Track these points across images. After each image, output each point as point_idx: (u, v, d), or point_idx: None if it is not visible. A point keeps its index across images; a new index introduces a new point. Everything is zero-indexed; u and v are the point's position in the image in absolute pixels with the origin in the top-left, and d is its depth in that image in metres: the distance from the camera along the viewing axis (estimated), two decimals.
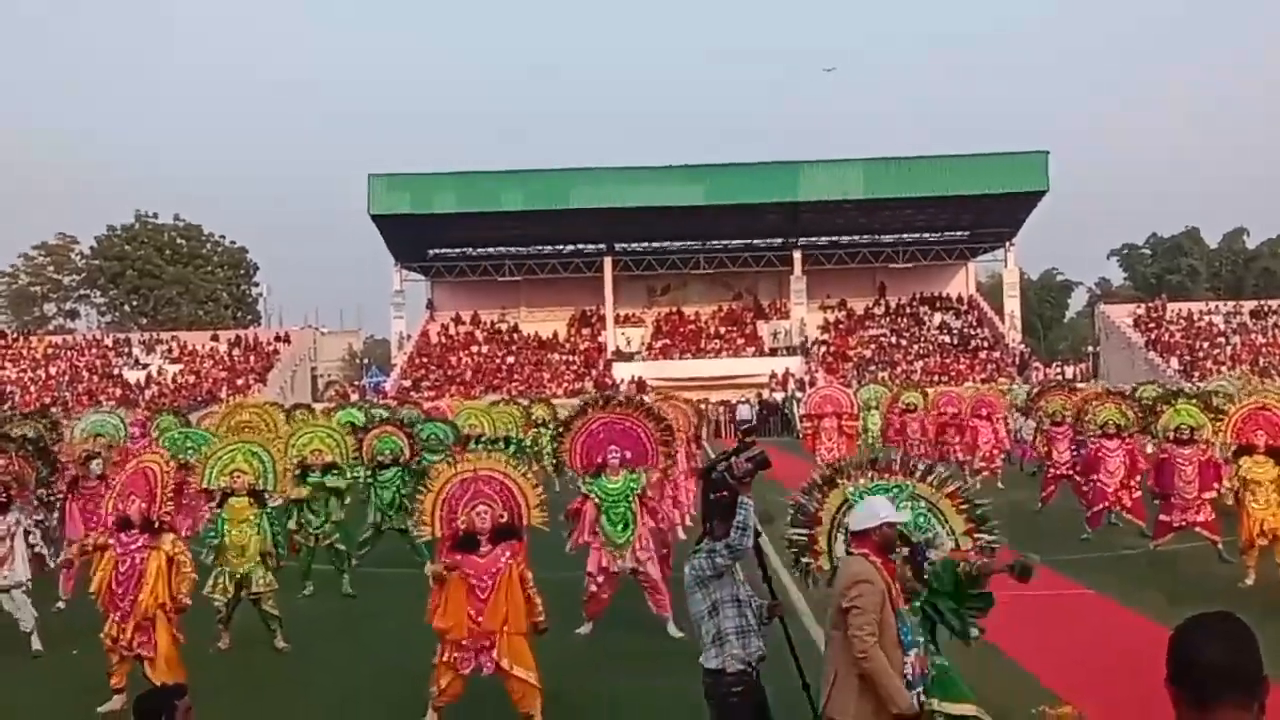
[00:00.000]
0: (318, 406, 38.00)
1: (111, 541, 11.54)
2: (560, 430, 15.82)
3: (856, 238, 75.90)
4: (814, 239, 74.54)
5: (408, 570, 18.34)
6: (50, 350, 73.40)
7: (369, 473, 19.46)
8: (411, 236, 70.89)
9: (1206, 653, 3.24)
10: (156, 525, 11.52)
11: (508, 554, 10.41)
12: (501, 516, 10.55)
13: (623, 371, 66.62)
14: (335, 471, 17.81)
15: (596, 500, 13.89)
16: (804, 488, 9.37)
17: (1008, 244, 72.17)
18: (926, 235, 75.80)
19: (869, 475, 9.18)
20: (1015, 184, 66.47)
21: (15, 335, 78.62)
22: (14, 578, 14.13)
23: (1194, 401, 19.87)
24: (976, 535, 9.04)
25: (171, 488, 12.10)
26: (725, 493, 7.99)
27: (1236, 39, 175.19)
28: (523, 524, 10.72)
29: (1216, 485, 17.92)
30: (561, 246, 74.90)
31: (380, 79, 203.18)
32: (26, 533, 14.49)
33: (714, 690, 7.85)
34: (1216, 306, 72.00)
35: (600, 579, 13.84)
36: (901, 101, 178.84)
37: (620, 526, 13.74)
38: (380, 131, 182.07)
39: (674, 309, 74.74)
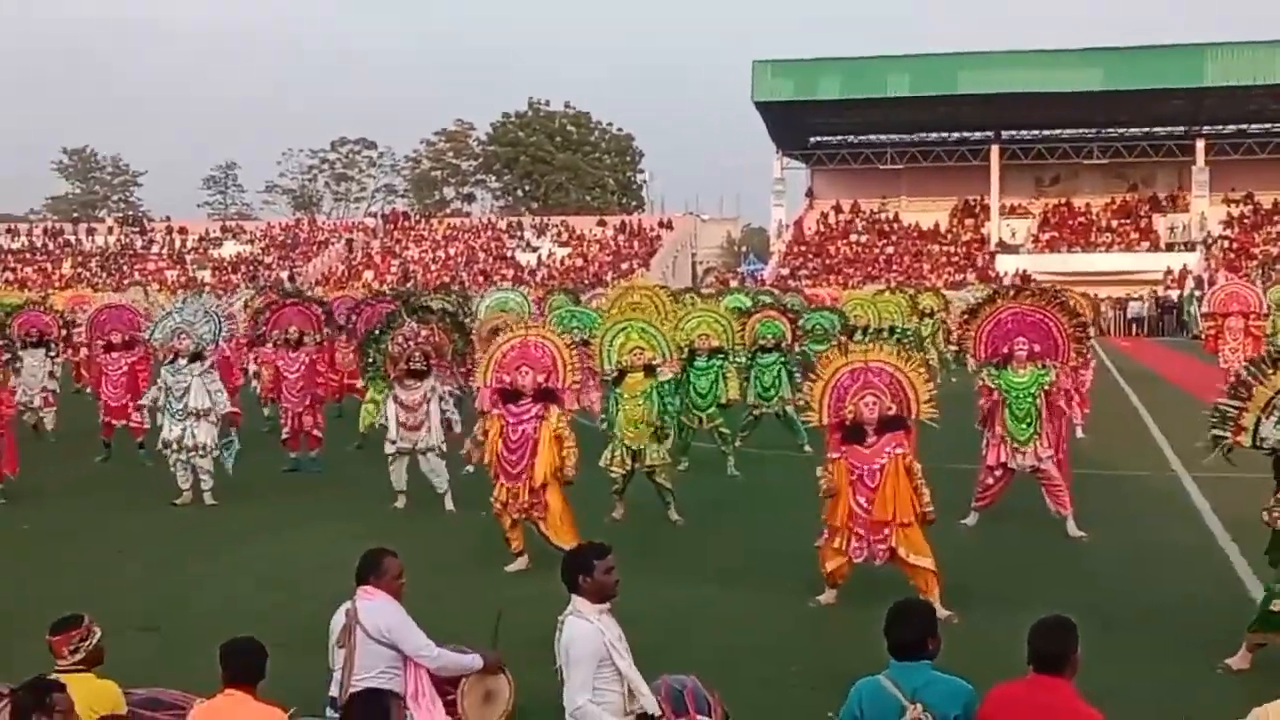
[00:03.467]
0: (704, 291, 38.54)
1: (498, 412, 12.09)
2: (967, 317, 15.42)
3: (1268, 126, 70.65)
4: (1219, 127, 69.99)
5: (788, 452, 18.57)
6: (449, 232, 77.53)
7: (750, 356, 19.59)
8: (794, 124, 70.72)
9: None
10: (550, 397, 11.99)
11: (894, 444, 10.32)
12: (890, 409, 10.43)
13: (1007, 264, 64.73)
14: (720, 356, 18.01)
15: (1001, 393, 13.51)
16: (1252, 360, 8.87)
17: None
18: None
19: None
20: None
21: (418, 217, 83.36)
22: (430, 440, 15.06)
23: None
24: None
25: (574, 363, 12.60)
26: None
27: None
28: (911, 416, 10.58)
29: None
30: (946, 134, 73.17)
31: None
32: (441, 399, 15.36)
33: None
34: None
35: (998, 472, 13.52)
36: None
37: (1024, 423, 13.33)
38: (766, 17, 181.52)
39: (1063, 200, 71.84)
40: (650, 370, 14.44)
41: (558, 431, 11.87)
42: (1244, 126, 70.94)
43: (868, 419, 10.37)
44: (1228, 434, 8.72)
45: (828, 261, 69.00)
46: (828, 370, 10.83)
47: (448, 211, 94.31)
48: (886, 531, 10.25)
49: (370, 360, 16.49)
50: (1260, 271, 58.44)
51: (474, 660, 7.12)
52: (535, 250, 73.10)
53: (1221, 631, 9.02)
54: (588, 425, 16.32)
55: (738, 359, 19.07)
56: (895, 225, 72.64)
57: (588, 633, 6.27)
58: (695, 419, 17.50)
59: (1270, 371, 8.66)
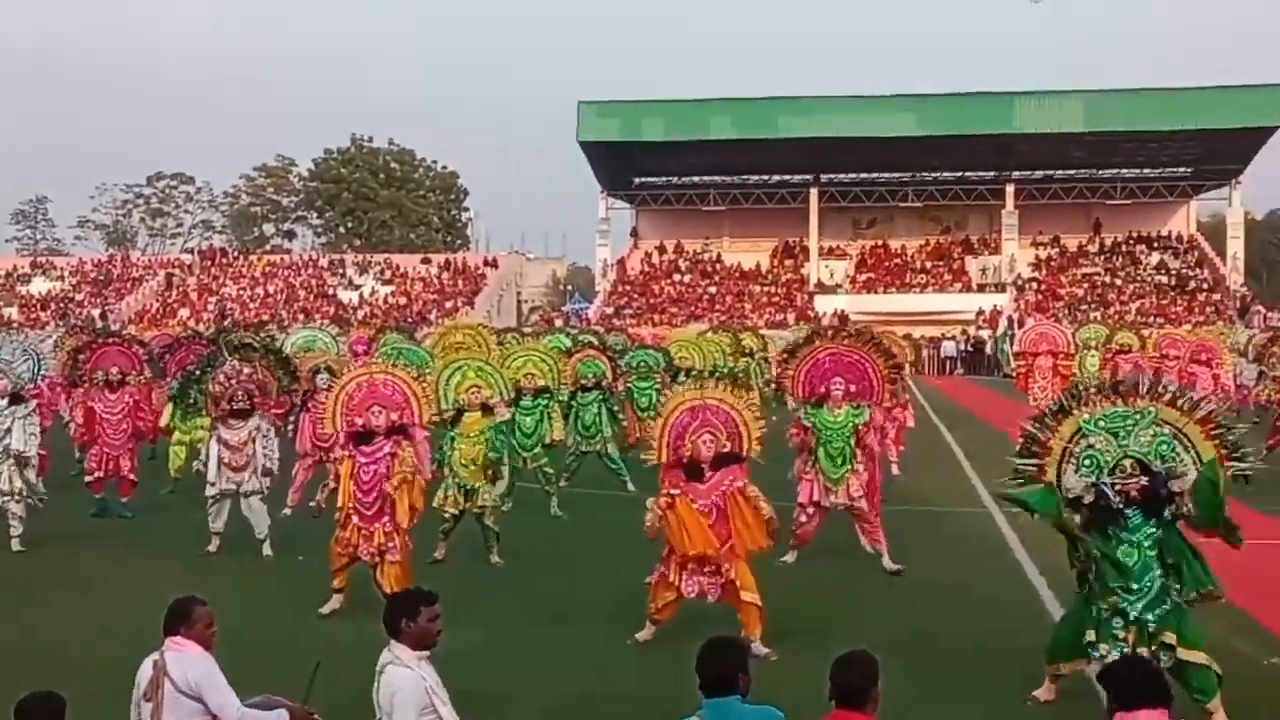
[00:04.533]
0: (526, 331, 38.51)
1: (349, 453, 11.94)
2: (786, 357, 15.70)
3: (1072, 172, 73.47)
4: (1028, 172, 72.46)
5: (613, 493, 18.63)
6: (268, 268, 76.13)
7: (570, 395, 19.67)
8: (618, 164, 71.18)
9: None
10: (403, 433, 11.88)
11: (730, 478, 10.52)
12: (724, 446, 10.66)
13: (825, 304, 66.04)
14: (546, 395, 18.03)
15: (815, 431, 13.75)
16: (1035, 416, 9.15)
17: (1233, 182, 69.05)
18: (1146, 171, 72.91)
19: (1109, 401, 8.86)
20: (1244, 119, 63.26)
21: (236, 254, 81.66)
22: (253, 483, 14.72)
23: None
24: (1229, 463, 8.67)
25: (427, 397, 12.53)
26: None
27: None
28: (744, 452, 10.77)
29: None
30: (767, 176, 74.38)
31: (591, 7, 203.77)
32: (265, 439, 15.03)
33: None
34: None
35: (810, 510, 13.75)
36: (1125, 33, 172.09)
37: (838, 461, 13.60)
38: (590, 58, 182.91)
39: (879, 242, 73.61)
40: (487, 409, 14.43)
41: (408, 473, 11.76)
42: (1051, 172, 73.51)
43: (705, 457, 10.57)
44: None
45: (652, 301, 69.55)
46: (668, 408, 11.02)
47: (267, 248, 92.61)
48: (726, 566, 10.37)
49: (191, 400, 16.09)
50: (1067, 312, 60.70)
51: (279, 716, 6.89)
52: (358, 288, 72.19)
53: (1031, 664, 9.28)
54: None
55: (560, 398, 19.11)
56: (718, 265, 73.57)
57: (409, 680, 6.19)
58: (520, 459, 17.49)
59: (1057, 424, 8.96)
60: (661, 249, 75.00)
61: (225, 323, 58.07)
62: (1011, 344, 43.04)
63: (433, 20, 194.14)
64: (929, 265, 71.54)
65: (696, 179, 75.61)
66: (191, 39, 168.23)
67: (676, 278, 72.68)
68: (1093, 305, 64.04)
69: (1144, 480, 8.60)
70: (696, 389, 11.24)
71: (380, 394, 12.19)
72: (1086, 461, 8.81)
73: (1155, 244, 71.71)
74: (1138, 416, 8.78)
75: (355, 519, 11.77)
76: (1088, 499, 8.73)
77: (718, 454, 10.58)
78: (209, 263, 78.05)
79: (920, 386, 40.33)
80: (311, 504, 16.31)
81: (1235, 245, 68.79)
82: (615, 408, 20.14)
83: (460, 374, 14.77)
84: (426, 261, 75.87)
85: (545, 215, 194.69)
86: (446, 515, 14.09)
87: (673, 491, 10.50)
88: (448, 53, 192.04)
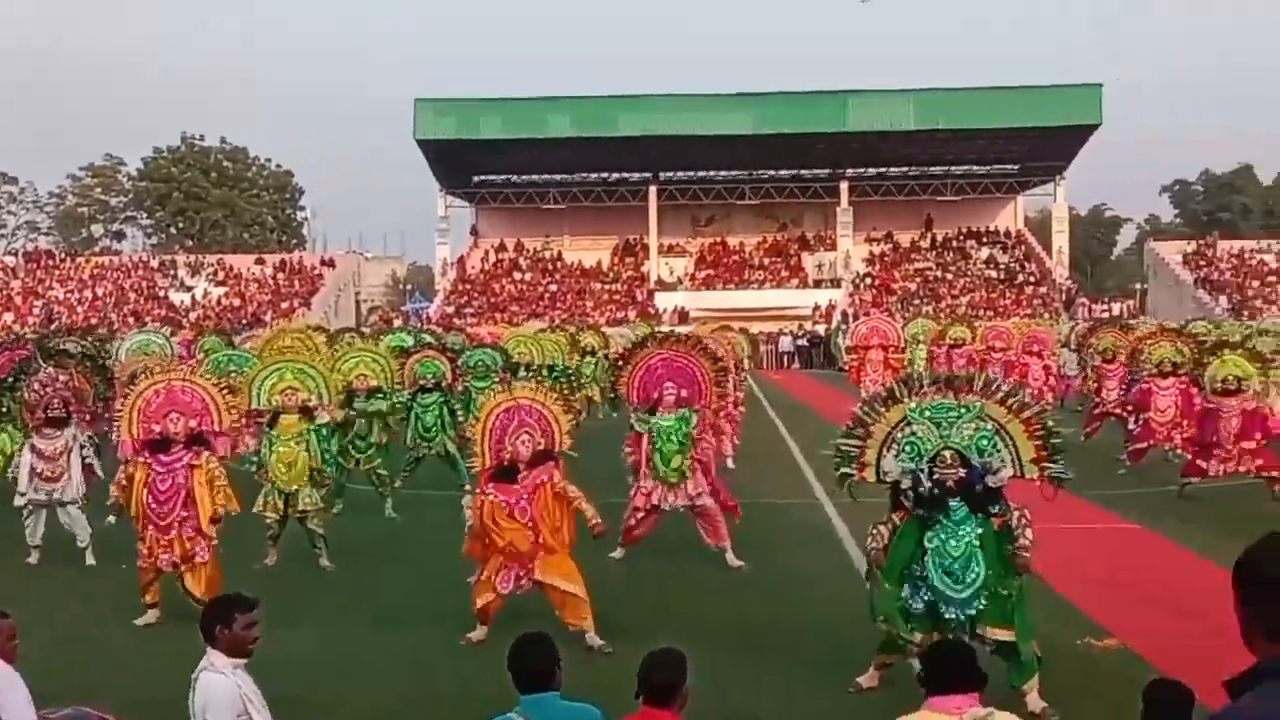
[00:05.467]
0: (365, 331, 38.07)
1: (146, 460, 11.65)
2: (619, 364, 15.80)
3: (905, 170, 75.15)
4: (861, 170, 73.85)
5: (449, 493, 18.47)
6: (97, 271, 73.86)
7: (410, 396, 19.51)
8: (457, 162, 70.74)
9: None
10: (202, 443, 11.64)
11: (544, 476, 10.63)
12: (540, 444, 10.76)
13: (665, 301, 66.51)
14: (379, 395, 17.85)
15: (650, 436, 13.86)
16: (865, 400, 9.32)
17: (1058, 178, 71.41)
18: (975, 168, 74.85)
19: (938, 392, 9.06)
20: (1067, 117, 65.52)
21: (63, 256, 79.13)
22: (70, 493, 14.30)
23: (1241, 352, 19.46)
24: (1045, 465, 8.92)
25: (229, 405, 12.26)
26: None
27: None
28: (556, 448, 10.89)
29: (1258, 435, 17.72)
30: (607, 175, 74.60)
31: (429, 5, 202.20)
32: (81, 447, 14.61)
33: None
34: (1269, 244, 70.82)
35: (642, 514, 13.83)
36: (951, 33, 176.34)
37: (673, 464, 13.71)
38: (428, 56, 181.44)
39: (718, 239, 74.36)
40: (307, 412, 14.19)
41: (210, 475, 11.54)
42: (883, 170, 75.05)
43: (524, 456, 10.65)
44: (853, 471, 9.17)
45: (492, 299, 69.26)
46: (484, 412, 11.01)
47: (96, 250, 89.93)
48: (531, 563, 10.43)
49: (3, 409, 15.59)
50: (900, 306, 62.03)
51: None
52: (190, 289, 70.50)
53: (859, 651, 9.43)
54: (240, 470, 15.83)
55: (398, 399, 18.93)
56: (559, 264, 73.56)
57: (223, 686, 6.08)
58: (352, 460, 17.28)
59: (884, 410, 9.15)
60: (502, 247, 74.75)
61: (52, 327, 56.38)
62: (844, 338, 43.85)
63: (266, 17, 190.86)
64: (767, 262, 72.47)
65: (536, 177, 75.52)
66: (14, 35, 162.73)
67: (517, 276, 72.49)
68: (925, 299, 65.58)
69: (962, 472, 8.80)
70: (507, 391, 11.29)
71: (179, 401, 11.94)
72: (907, 448, 8.98)
73: (984, 239, 73.71)
74: (963, 410, 8.97)
75: (151, 529, 11.49)
76: (905, 484, 8.91)
77: (534, 452, 10.67)
78: (34, 265, 75.49)
79: (759, 381, 40.81)
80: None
81: (1060, 240, 71.07)
82: (456, 407, 20.01)
83: (277, 375, 14.52)
84: (261, 262, 74.38)
85: (384, 214, 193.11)
86: (268, 520, 13.86)
87: (483, 493, 10.60)
88: (282, 50, 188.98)
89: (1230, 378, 18.26)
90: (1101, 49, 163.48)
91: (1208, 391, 18.66)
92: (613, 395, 17.95)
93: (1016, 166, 73.46)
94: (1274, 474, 17.46)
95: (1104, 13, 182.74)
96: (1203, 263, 68.05)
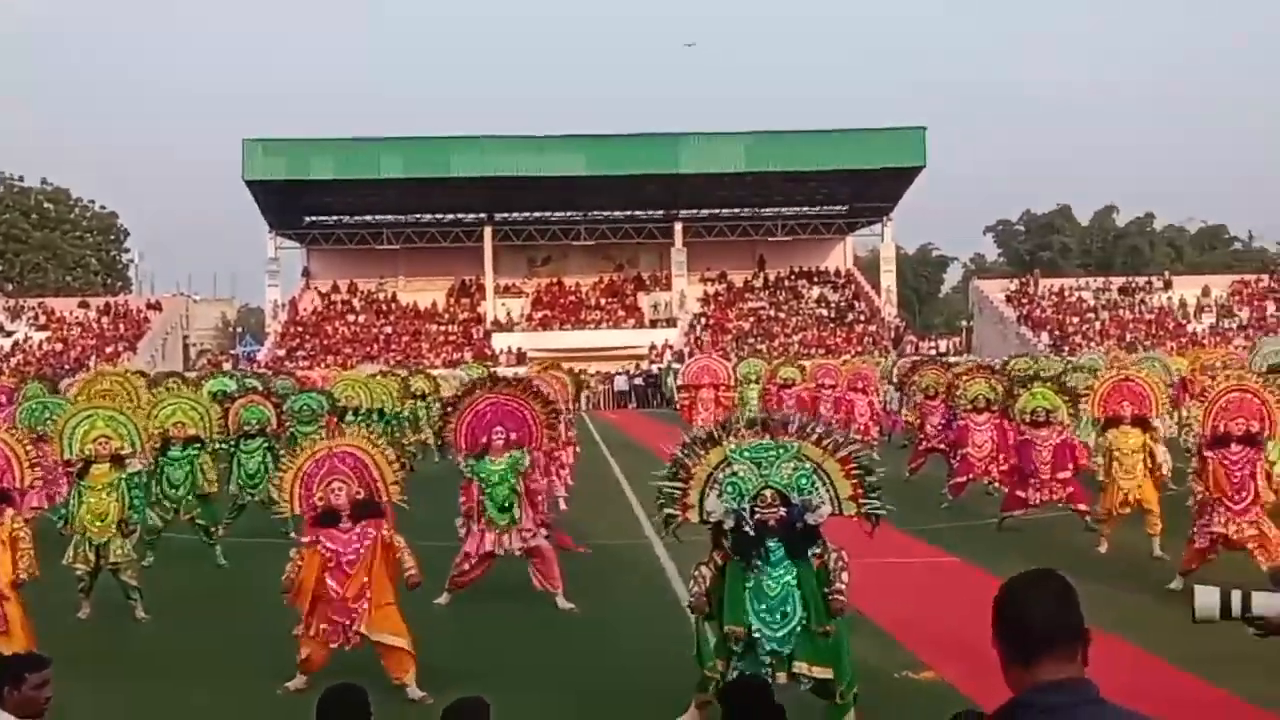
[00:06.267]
0: (190, 375, 37.19)
1: None
2: (448, 410, 15.69)
3: (737, 210, 76.28)
4: (695, 211, 74.74)
5: (275, 540, 18.08)
6: None
7: (233, 442, 19.11)
8: (287, 203, 69.76)
9: (1033, 610, 3.43)
10: (5, 499, 11.13)
11: (373, 530, 10.44)
12: (358, 493, 10.54)
13: (502, 343, 66.38)
14: (197, 445, 17.39)
15: (479, 483, 13.77)
16: (685, 442, 9.38)
17: (885, 219, 73.00)
18: (806, 209, 76.36)
19: (755, 434, 9.16)
20: (893, 159, 67.20)
21: None
22: None
23: (1049, 385, 20.08)
24: (862, 501, 9.08)
25: (31, 459, 11.74)
26: None
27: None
28: (381, 499, 10.70)
29: (1070, 465, 18.24)
30: (441, 215, 74.24)
31: (256, 45, 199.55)
32: None
33: None
34: (1086, 282, 73.57)
35: (474, 559, 13.72)
36: (780, 79, 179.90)
37: (504, 509, 13.63)
38: (256, 96, 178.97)
39: (554, 280, 74.50)
40: (119, 460, 13.77)
41: (13, 534, 11.02)
42: (716, 211, 76.02)
43: (336, 505, 10.45)
44: (677, 513, 9.23)
45: (325, 342, 68.33)
46: (299, 458, 10.87)
47: None
48: (355, 615, 10.25)
49: None
50: (734, 345, 62.79)
51: None
52: (10, 334, 68.19)
53: (680, 691, 9.43)
54: (51, 521, 15.30)
55: (218, 446, 18.51)
56: (393, 305, 72.92)
57: None
58: (169, 511, 16.82)
59: (704, 451, 9.23)
60: (335, 289, 73.86)
61: None
62: (676, 377, 44.19)
63: (90, 58, 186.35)
64: (603, 302, 72.80)
65: (370, 218, 74.85)
66: None
67: (351, 318, 71.66)
68: (759, 338, 66.54)
69: (782, 511, 8.91)
70: (331, 440, 11.10)
71: None
72: (729, 488, 9.07)
73: (815, 278, 75.09)
74: (781, 450, 9.10)
75: None
76: (728, 524, 8.98)
77: (355, 501, 10.48)
78: None
79: (594, 421, 40.89)
80: None
81: (889, 279, 72.72)
82: (281, 454, 19.60)
83: (89, 422, 14.06)
84: (84, 305, 72.30)
85: (213, 256, 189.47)
86: (78, 572, 13.40)
87: (303, 540, 10.41)
88: (105, 90, 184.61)
89: (1039, 409, 18.79)
90: (924, 93, 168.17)
91: (1018, 423, 19.22)
92: (440, 442, 17.83)
93: (845, 207, 75.11)
94: (1081, 507, 17.98)
95: (927, 60, 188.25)
96: (1025, 300, 70.25)
